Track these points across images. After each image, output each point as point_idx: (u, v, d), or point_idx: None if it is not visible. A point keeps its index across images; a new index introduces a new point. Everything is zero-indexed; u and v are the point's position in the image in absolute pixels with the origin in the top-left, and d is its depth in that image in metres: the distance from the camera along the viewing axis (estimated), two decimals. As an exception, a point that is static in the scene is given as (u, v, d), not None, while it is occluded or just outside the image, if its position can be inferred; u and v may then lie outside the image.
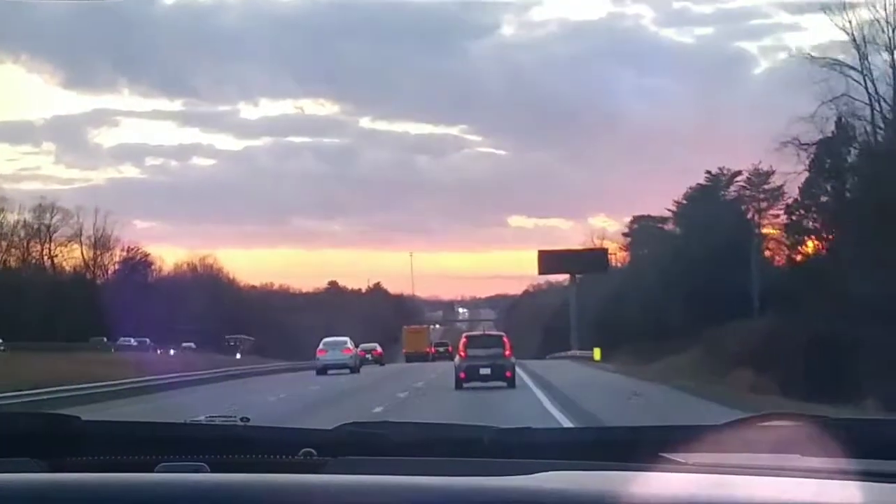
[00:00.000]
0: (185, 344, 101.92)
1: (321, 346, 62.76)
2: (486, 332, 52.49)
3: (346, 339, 65.28)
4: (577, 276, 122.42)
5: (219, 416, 2.95)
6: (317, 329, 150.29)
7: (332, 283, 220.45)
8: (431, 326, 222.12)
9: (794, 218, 57.39)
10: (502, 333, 47.50)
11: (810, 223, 58.23)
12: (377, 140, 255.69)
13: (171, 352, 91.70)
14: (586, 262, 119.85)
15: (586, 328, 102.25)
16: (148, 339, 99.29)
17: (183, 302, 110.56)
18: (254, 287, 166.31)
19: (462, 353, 40.76)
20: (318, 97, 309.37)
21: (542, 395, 36.15)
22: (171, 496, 2.05)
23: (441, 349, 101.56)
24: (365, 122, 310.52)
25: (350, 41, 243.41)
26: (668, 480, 2.22)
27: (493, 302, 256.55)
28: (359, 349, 72.68)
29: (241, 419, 2.89)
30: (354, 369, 60.84)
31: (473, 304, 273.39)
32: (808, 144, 57.04)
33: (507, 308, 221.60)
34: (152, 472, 2.35)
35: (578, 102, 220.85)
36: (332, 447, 2.58)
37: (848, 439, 2.59)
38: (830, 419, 2.80)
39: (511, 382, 39.75)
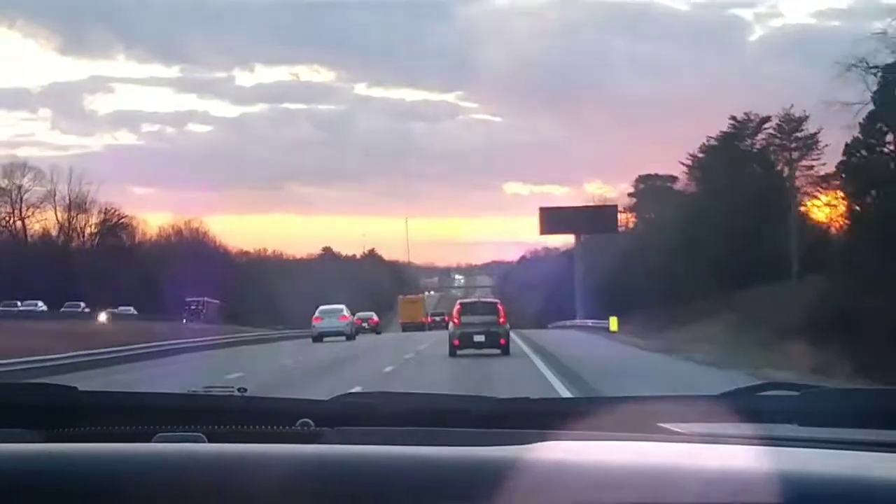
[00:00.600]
0: (121, 308, 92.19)
1: (317, 313, 62.30)
2: (481, 300, 51.41)
3: (342, 306, 64.92)
4: (583, 236, 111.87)
5: (216, 387, 2.96)
6: (309, 296, 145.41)
7: (327, 250, 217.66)
8: (427, 293, 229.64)
9: (853, 160, 48.37)
10: (496, 300, 46.83)
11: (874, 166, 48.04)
12: (372, 107, 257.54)
13: (102, 318, 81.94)
14: (593, 220, 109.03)
15: (591, 295, 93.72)
16: (82, 304, 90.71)
17: (163, 267, 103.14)
18: (247, 253, 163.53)
19: (456, 321, 40.52)
20: (313, 63, 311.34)
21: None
22: (168, 466, 2.07)
23: (437, 318, 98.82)
24: (360, 89, 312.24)
25: (345, 7, 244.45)
26: (664, 450, 2.24)
27: (490, 269, 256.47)
28: (355, 318, 72.37)
29: (239, 389, 2.90)
30: (350, 336, 60.70)
31: (469, 270, 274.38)
32: (876, 68, 48.63)
33: (504, 275, 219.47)
34: (150, 442, 2.34)
35: (574, 69, 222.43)
36: (329, 417, 2.58)
37: (846, 409, 2.58)
38: (829, 389, 2.83)
39: (505, 350, 39.27)
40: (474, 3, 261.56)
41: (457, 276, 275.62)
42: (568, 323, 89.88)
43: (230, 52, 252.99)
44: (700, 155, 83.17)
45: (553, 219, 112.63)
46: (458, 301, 44.92)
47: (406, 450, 2.15)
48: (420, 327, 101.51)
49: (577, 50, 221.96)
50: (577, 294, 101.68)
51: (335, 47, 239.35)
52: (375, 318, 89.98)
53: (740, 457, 2.16)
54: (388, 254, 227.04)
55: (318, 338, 59.08)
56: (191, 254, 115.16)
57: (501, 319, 40.45)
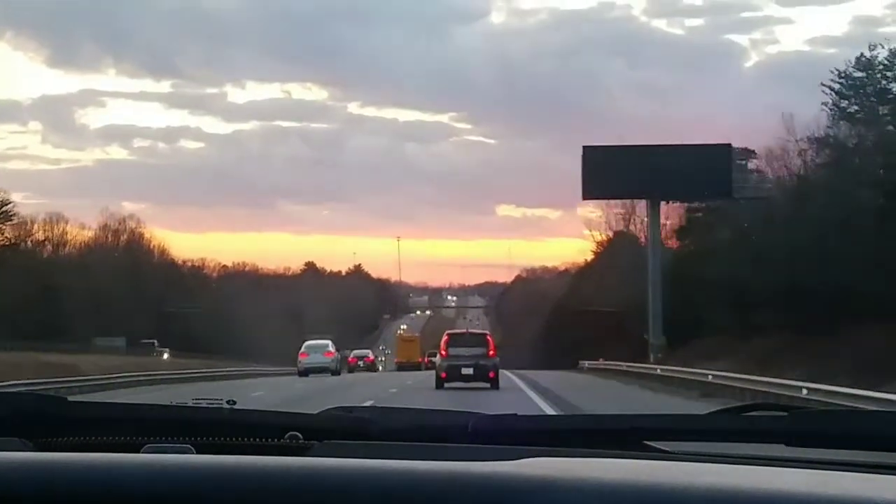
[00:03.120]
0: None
1: (303, 348, 63.18)
2: (469, 331, 48.72)
3: (328, 342, 65.68)
4: (663, 202, 67.71)
5: (205, 400, 2.93)
6: (282, 317, 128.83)
7: (309, 265, 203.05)
8: (415, 313, 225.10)
9: None
10: (486, 332, 47.19)
11: None
12: (365, 126, 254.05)
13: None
14: (693, 170, 61.63)
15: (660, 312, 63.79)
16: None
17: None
18: (225, 267, 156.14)
19: (443, 352, 40.24)
20: (306, 81, 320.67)
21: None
22: (156, 477, 2.06)
23: (433, 359, 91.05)
24: (353, 108, 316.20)
25: (339, 26, 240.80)
26: (650, 468, 2.25)
27: (483, 289, 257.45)
28: (350, 355, 78.61)
29: (228, 402, 2.87)
30: (335, 372, 61.16)
31: (462, 291, 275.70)
32: None
33: (498, 295, 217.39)
34: (138, 453, 2.34)
35: (568, 92, 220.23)
36: (318, 431, 2.61)
37: (834, 431, 2.59)
38: (817, 410, 2.83)
39: (495, 383, 38.68)
40: (469, 24, 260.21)
41: (449, 297, 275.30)
42: (635, 365, 52.91)
43: (222, 69, 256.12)
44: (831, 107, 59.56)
45: (608, 167, 63.59)
46: (446, 332, 43.98)
47: (394, 464, 2.12)
48: (416, 367, 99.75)
49: (571, 72, 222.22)
50: (651, 302, 64.24)
51: (328, 66, 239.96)
52: (371, 355, 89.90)
53: (727, 476, 2.17)
54: (377, 272, 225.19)
55: (304, 373, 59.28)
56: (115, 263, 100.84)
57: (491, 352, 39.82)
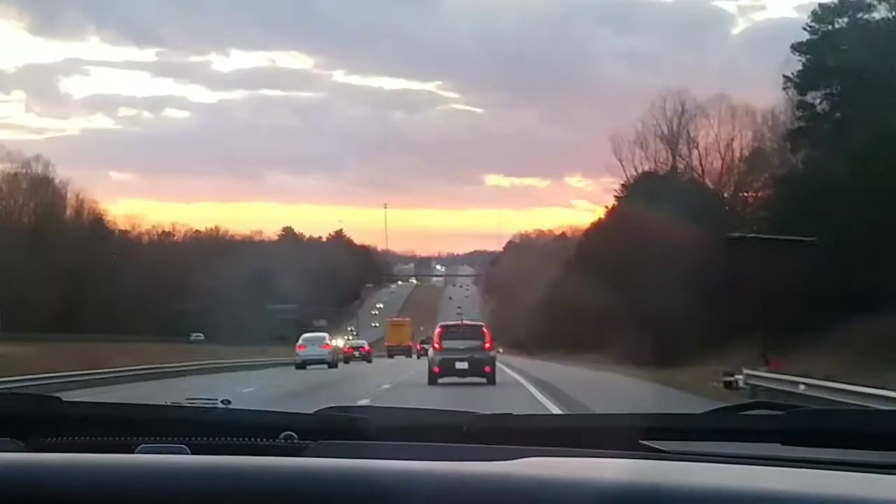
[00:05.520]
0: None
1: (300, 341, 63.78)
2: (464, 323, 44.94)
3: (325, 335, 67.69)
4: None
5: (199, 399, 2.91)
6: (246, 287, 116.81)
7: (287, 230, 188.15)
8: (396, 284, 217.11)
9: None
10: (482, 324, 43.87)
11: None
12: (352, 95, 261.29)
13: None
14: None
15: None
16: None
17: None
18: (197, 232, 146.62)
19: (436, 345, 38.35)
20: (291, 50, 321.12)
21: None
22: (150, 477, 2.06)
23: (426, 346, 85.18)
24: (339, 76, 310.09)
25: None
26: (646, 468, 2.24)
27: (473, 258, 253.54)
28: (346, 346, 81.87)
29: (222, 402, 2.86)
30: (332, 364, 61.42)
31: (451, 260, 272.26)
32: None
33: (489, 263, 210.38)
34: (132, 453, 2.34)
35: (556, 60, 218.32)
36: (313, 431, 2.58)
37: (831, 430, 2.60)
38: (813, 409, 2.79)
39: (491, 378, 36.78)
40: None
41: (437, 266, 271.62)
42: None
43: (206, 37, 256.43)
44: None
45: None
46: (440, 324, 41.95)
47: (389, 464, 2.11)
48: (406, 351, 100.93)
49: (559, 41, 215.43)
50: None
51: (313, 33, 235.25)
52: (367, 346, 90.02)
53: (723, 476, 2.17)
54: (363, 240, 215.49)
55: (302, 365, 59.19)
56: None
57: (487, 345, 38.09)
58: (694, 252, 50.03)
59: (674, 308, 49.05)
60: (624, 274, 58.46)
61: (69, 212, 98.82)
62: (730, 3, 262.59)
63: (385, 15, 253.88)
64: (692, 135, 73.82)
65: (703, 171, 71.60)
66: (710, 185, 68.15)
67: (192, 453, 2.29)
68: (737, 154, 69.73)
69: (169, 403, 2.87)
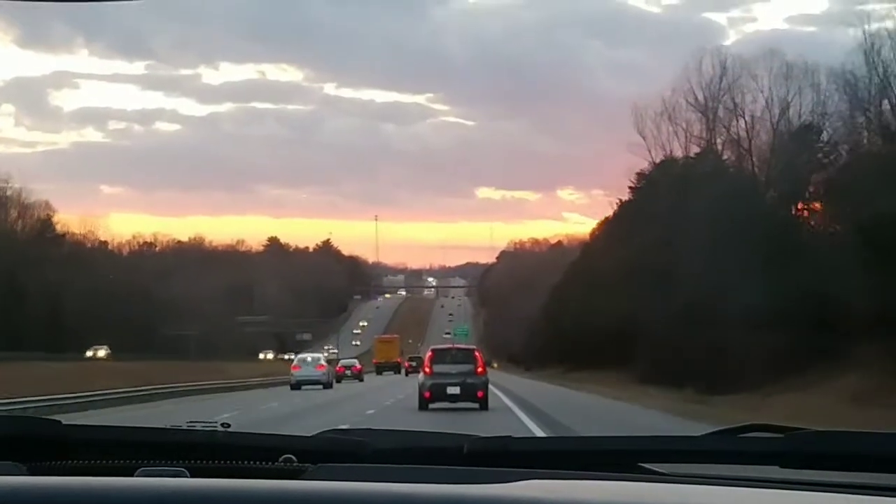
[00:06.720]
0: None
1: (295, 361, 65.89)
2: (456, 346, 44.62)
3: (320, 355, 71.77)
4: None
5: (199, 422, 2.94)
6: (220, 300, 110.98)
7: (273, 240, 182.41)
8: (383, 297, 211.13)
9: None
10: (473, 347, 44.42)
11: None
12: (342, 107, 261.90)
13: None
14: None
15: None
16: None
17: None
18: (180, 243, 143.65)
19: (427, 370, 37.28)
20: (281, 62, 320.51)
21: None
22: (150, 501, 2.08)
23: (415, 363, 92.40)
24: (329, 89, 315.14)
25: (312, 5, 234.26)
26: (644, 490, 2.27)
27: (464, 270, 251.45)
28: (338, 365, 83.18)
29: (222, 425, 2.88)
30: (327, 385, 62.32)
31: (443, 272, 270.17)
32: None
33: (481, 274, 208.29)
34: (132, 476, 2.34)
35: (547, 72, 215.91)
36: (312, 454, 2.61)
37: (829, 452, 2.61)
38: (811, 431, 2.78)
39: (483, 403, 36.35)
40: (445, 3, 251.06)
41: (429, 278, 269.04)
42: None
43: (195, 50, 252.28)
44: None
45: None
46: (431, 348, 41.47)
47: (389, 487, 2.11)
48: (396, 368, 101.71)
49: (549, 53, 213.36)
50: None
51: (303, 46, 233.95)
52: (358, 365, 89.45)
53: (721, 499, 2.17)
54: (351, 250, 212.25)
55: (297, 386, 60.55)
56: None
57: (479, 369, 37.18)
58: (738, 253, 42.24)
59: (727, 320, 40.04)
60: (644, 277, 50.39)
61: (11, 216, 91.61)
62: (720, 15, 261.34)
63: (375, 28, 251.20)
64: (736, 101, 63.89)
65: (750, 146, 60.80)
66: (757, 165, 57.85)
67: (192, 476, 2.26)
68: (793, 123, 60.36)
69: (169, 426, 2.84)
